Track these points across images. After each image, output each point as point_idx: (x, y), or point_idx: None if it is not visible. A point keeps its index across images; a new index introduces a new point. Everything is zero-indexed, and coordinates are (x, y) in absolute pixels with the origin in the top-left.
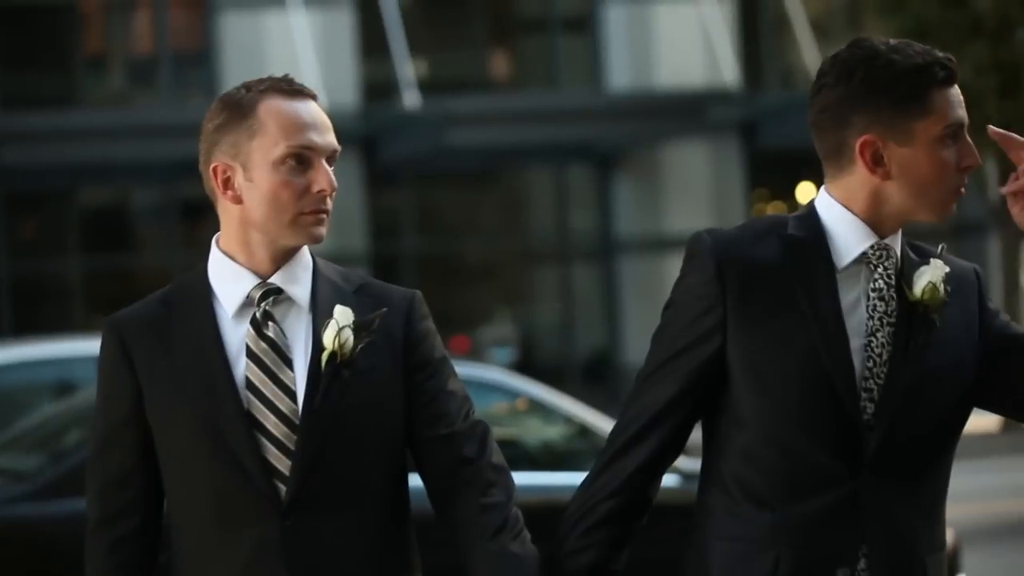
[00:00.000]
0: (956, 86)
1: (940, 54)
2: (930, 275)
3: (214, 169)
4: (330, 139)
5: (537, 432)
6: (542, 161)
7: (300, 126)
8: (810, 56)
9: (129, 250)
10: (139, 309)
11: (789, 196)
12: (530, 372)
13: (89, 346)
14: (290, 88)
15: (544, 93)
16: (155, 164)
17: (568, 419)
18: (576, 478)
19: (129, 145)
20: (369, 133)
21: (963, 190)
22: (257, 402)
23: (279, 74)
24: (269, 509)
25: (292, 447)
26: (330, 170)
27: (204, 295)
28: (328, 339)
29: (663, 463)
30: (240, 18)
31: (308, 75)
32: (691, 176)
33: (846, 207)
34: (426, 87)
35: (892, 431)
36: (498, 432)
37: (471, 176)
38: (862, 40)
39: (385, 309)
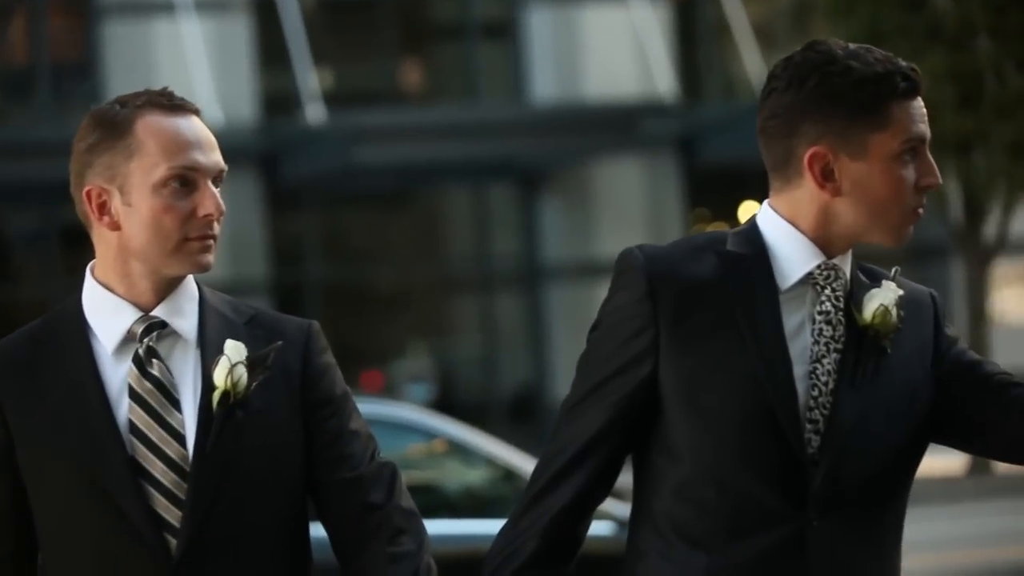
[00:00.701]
0: (919, 99)
1: (903, 63)
2: (881, 298)
3: (87, 193)
4: (216, 158)
5: (457, 476)
6: (460, 180)
7: (182, 145)
8: (753, 64)
9: (4, 280)
10: (5, 346)
11: (731, 216)
12: (449, 411)
13: None
14: (170, 103)
15: (462, 106)
16: (32, 185)
17: (491, 461)
18: (499, 526)
19: (3, 165)
20: (269, 150)
21: (921, 211)
22: (142, 447)
23: (166, 87)
24: (158, 565)
25: (182, 496)
26: (217, 192)
27: (79, 330)
28: (219, 377)
29: (593, 500)
30: (125, 26)
31: (201, 87)
32: (624, 195)
33: (792, 223)
34: (331, 100)
35: (839, 466)
36: (415, 476)
37: (382, 197)
38: (818, 43)
39: (280, 343)
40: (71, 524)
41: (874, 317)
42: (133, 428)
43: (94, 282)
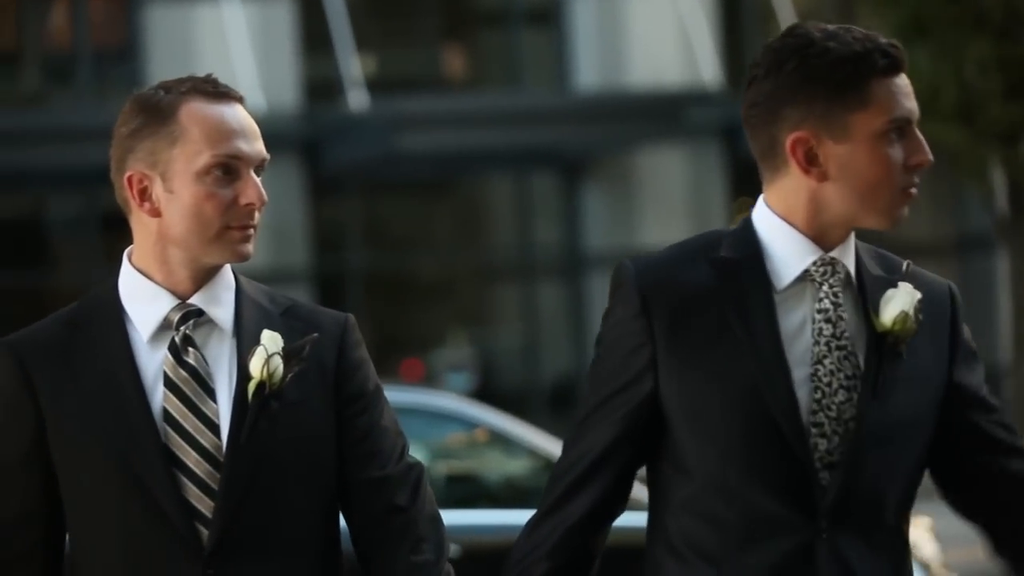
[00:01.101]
0: (903, 75)
1: (883, 40)
2: (901, 303)
3: (128, 178)
4: (259, 147)
5: (498, 466)
6: (503, 168)
7: (226, 133)
8: None
9: (44, 266)
10: (40, 331)
11: None
12: (490, 400)
13: None
14: (215, 90)
15: (505, 93)
16: (73, 170)
17: (532, 451)
18: None
19: (44, 150)
20: (311, 137)
21: (914, 191)
22: (176, 436)
23: (210, 72)
24: (189, 556)
25: (215, 486)
26: (259, 181)
27: (115, 316)
28: (255, 367)
29: (607, 513)
30: (168, 10)
31: (243, 73)
32: (667, 184)
33: (784, 219)
34: (374, 86)
35: (854, 476)
36: (455, 466)
37: (424, 184)
38: (797, 27)
39: (316, 335)
40: (102, 512)
41: (894, 323)
42: (167, 416)
43: (131, 268)
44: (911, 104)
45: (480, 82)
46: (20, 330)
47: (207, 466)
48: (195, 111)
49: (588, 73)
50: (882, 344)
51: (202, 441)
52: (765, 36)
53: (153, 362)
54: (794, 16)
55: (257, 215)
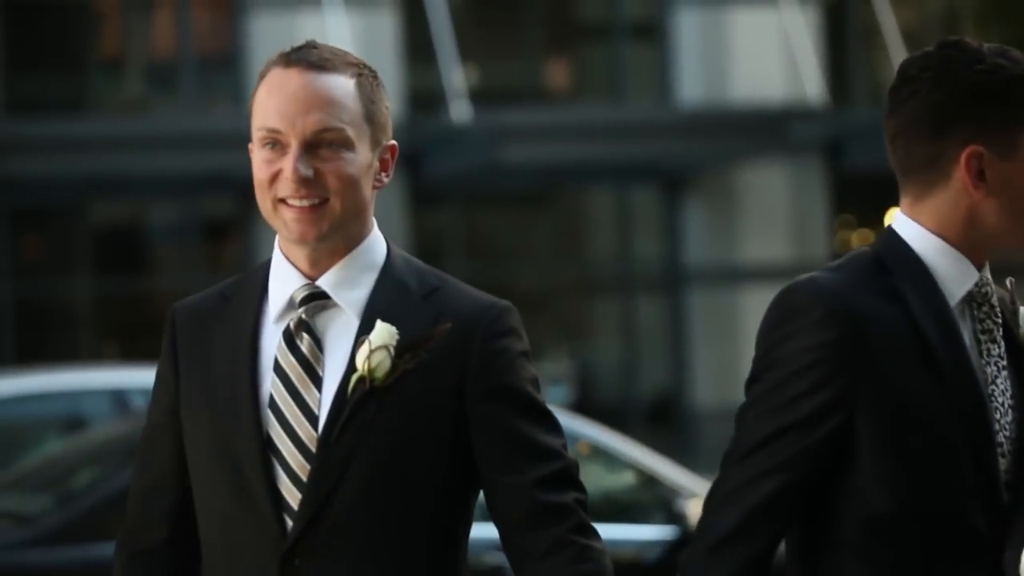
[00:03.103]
0: None
1: None
2: None
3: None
4: (306, 121)
5: (598, 480)
6: (604, 181)
7: (271, 107)
8: None
9: (145, 272)
10: (200, 299)
11: (877, 223)
12: (588, 413)
13: (100, 377)
14: (291, 57)
15: (607, 106)
16: (175, 177)
17: (632, 466)
18: (641, 531)
19: (147, 156)
20: (413, 147)
21: None
22: (277, 424)
23: (313, 40)
24: (271, 546)
25: (305, 478)
26: (296, 158)
27: (257, 292)
28: (359, 360)
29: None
30: (271, 19)
31: None
32: (769, 200)
33: (941, 236)
34: (477, 97)
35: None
36: None
37: (525, 196)
38: (956, 41)
39: (448, 325)
40: (208, 491)
41: None
42: (272, 402)
43: (277, 243)
44: None
45: (583, 95)
46: (192, 296)
47: (300, 458)
48: (267, 80)
49: (691, 87)
50: (1021, 357)
51: (299, 431)
52: (869, 52)
53: (273, 344)
54: (899, 32)
55: (312, 195)
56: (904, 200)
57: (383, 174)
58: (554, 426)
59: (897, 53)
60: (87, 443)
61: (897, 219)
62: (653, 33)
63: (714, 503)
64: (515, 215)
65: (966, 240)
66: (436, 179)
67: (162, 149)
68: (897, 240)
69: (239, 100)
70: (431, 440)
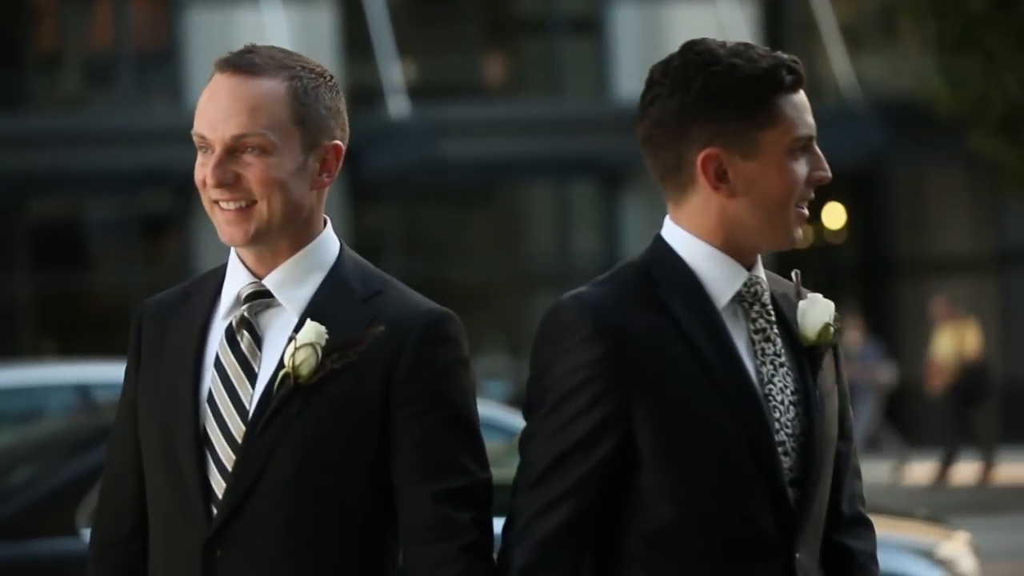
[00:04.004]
0: (802, 91)
1: (785, 56)
2: (819, 315)
3: None
4: (226, 127)
5: None
6: (542, 176)
7: (200, 110)
8: (840, 65)
9: (83, 268)
10: (167, 296)
11: (814, 219)
12: None
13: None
14: (225, 61)
15: (545, 101)
16: (113, 173)
17: None
18: None
19: (84, 152)
20: (351, 143)
21: (806, 212)
22: (212, 419)
23: (253, 44)
24: (197, 538)
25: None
26: (216, 163)
27: (213, 290)
28: (286, 357)
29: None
30: (209, 14)
31: None
32: None
33: (703, 240)
34: (415, 93)
35: (812, 495)
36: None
37: (463, 192)
38: (697, 43)
39: (382, 328)
40: (152, 482)
41: (819, 336)
42: (210, 398)
43: None
44: (811, 120)
45: (520, 90)
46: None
47: (229, 451)
48: (208, 85)
49: (629, 82)
50: (811, 357)
51: (230, 426)
52: (807, 48)
53: (218, 341)
54: (837, 28)
55: (237, 197)
56: (668, 205)
57: (324, 175)
58: (473, 443)
59: (835, 49)
60: (27, 440)
61: (665, 225)
62: (590, 28)
63: (511, 536)
64: (454, 210)
65: (727, 241)
66: (374, 175)
67: (100, 145)
68: (664, 248)
69: (177, 95)
70: (356, 441)
